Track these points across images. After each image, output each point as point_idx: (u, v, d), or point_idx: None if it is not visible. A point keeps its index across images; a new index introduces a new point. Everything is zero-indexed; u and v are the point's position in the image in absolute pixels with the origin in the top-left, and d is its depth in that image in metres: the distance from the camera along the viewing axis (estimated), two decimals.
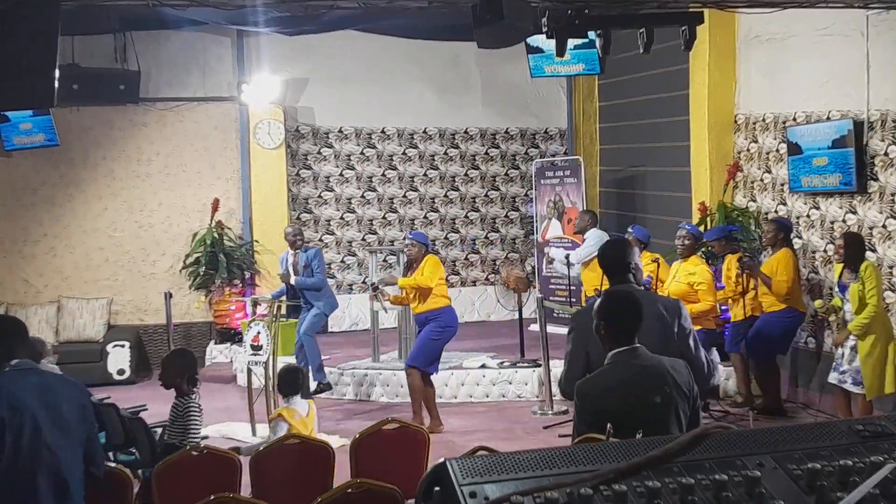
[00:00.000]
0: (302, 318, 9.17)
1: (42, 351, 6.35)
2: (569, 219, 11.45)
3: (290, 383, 6.48)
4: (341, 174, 12.49)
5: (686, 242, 7.97)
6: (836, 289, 7.12)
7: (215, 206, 11.47)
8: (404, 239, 12.47)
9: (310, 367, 8.84)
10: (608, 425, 3.23)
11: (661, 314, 4.11)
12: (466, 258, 12.91)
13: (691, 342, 4.14)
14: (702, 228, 8.98)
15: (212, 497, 3.94)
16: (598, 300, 3.76)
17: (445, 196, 12.86)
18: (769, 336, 7.97)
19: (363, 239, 12.54)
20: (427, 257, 8.11)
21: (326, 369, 9.22)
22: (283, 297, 8.89)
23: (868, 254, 7.62)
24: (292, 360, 10.12)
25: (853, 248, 7.00)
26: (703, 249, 8.62)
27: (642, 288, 4.61)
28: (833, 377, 7.13)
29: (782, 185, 8.86)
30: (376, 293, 8.48)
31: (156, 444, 6.35)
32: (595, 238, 9.30)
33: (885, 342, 6.83)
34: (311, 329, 9.02)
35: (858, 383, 6.87)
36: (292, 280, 9.03)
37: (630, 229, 8.66)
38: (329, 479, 5.15)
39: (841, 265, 7.12)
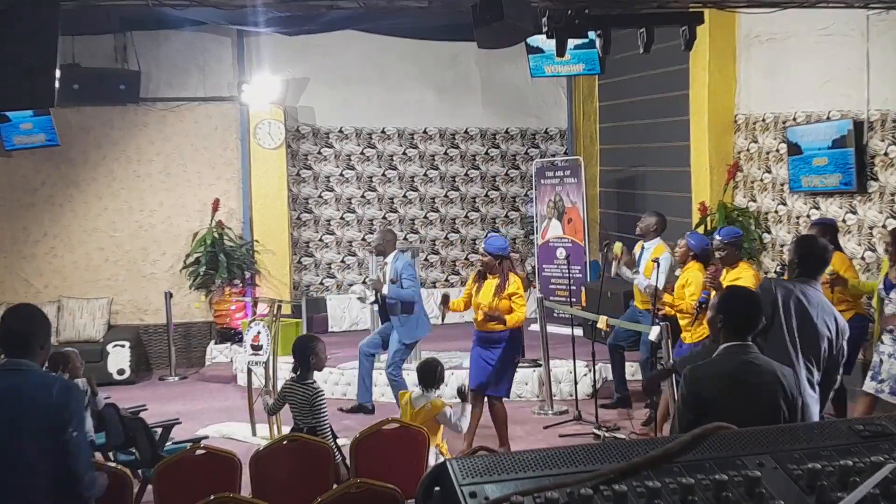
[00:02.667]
0: (384, 330, 8.61)
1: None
2: (569, 218, 11.46)
3: (424, 377, 6.45)
4: (341, 174, 12.49)
5: (679, 251, 7.43)
6: (881, 287, 6.49)
7: (215, 206, 11.48)
8: (407, 238, 12.53)
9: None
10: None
11: (829, 324, 4.46)
12: (467, 258, 12.91)
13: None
14: (701, 230, 8.97)
15: (212, 497, 3.94)
16: (720, 295, 3.93)
17: (446, 196, 12.86)
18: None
19: (363, 239, 12.53)
20: (511, 277, 7.05)
21: (327, 370, 9.17)
22: (281, 301, 8.77)
23: (868, 253, 7.63)
24: (292, 360, 10.12)
25: None
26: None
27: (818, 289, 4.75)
28: (870, 385, 6.37)
29: (782, 185, 8.86)
30: (446, 305, 7.66)
31: (156, 444, 6.36)
32: (666, 260, 7.94)
33: None
34: (393, 366, 8.45)
35: None
36: (384, 289, 8.40)
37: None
38: (329, 479, 5.16)
39: (888, 262, 6.59)
